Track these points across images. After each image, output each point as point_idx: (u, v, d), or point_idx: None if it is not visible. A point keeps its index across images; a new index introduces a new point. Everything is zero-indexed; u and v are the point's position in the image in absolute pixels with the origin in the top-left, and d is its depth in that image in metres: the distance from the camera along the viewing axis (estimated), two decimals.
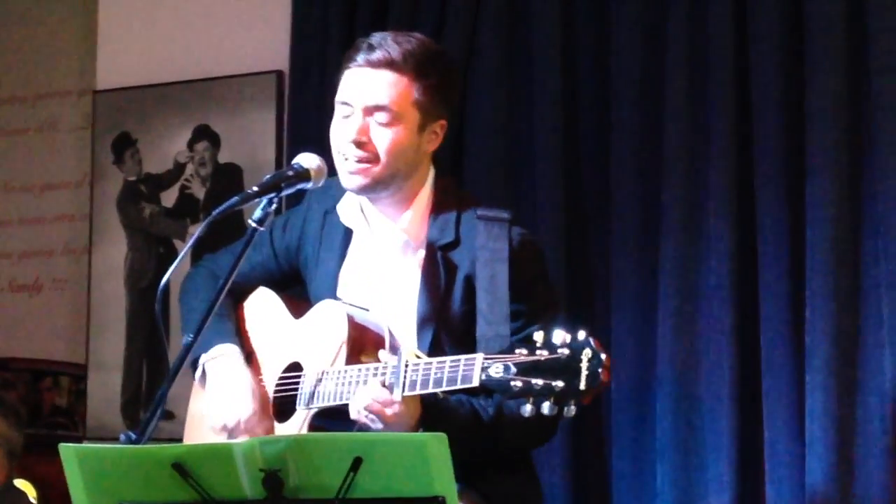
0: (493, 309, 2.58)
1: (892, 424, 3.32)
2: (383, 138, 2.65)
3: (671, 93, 3.63)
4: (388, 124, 2.64)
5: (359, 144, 2.65)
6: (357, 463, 2.15)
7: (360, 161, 2.66)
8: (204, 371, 2.79)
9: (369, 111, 2.65)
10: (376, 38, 2.68)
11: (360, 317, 2.65)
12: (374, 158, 2.65)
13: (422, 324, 2.66)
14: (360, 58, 2.67)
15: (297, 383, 2.68)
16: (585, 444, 3.71)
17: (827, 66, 3.42)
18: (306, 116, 4.18)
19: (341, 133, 2.68)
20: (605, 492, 3.69)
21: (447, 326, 2.64)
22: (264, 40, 4.45)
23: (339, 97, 2.70)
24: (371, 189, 2.69)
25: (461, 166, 3.92)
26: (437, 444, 2.14)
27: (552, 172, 3.77)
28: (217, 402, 2.73)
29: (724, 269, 3.50)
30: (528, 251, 2.70)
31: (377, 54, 2.65)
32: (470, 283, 2.65)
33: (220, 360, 2.77)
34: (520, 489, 2.73)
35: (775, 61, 3.51)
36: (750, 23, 3.55)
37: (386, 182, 2.68)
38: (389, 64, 2.64)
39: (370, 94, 2.65)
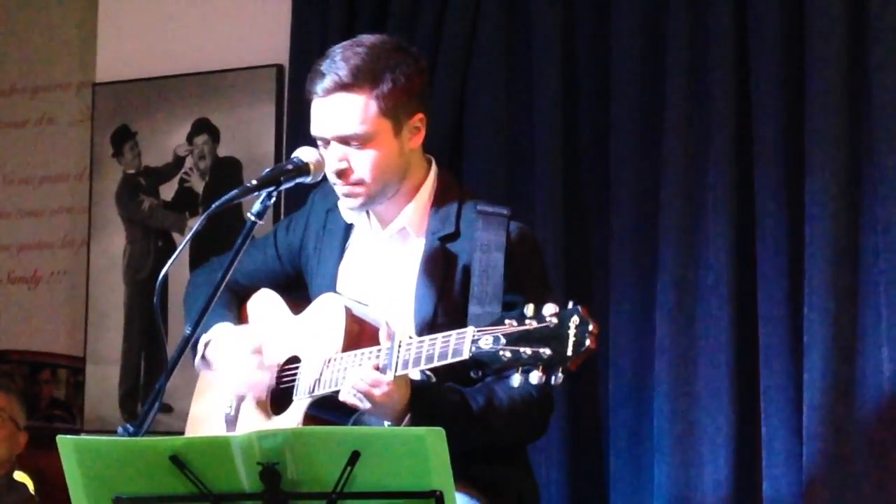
0: (485, 290, 2.59)
1: (890, 422, 3.32)
2: (363, 161, 2.66)
3: (671, 90, 3.62)
4: (361, 146, 2.65)
5: (340, 174, 2.67)
6: (355, 457, 2.16)
7: (349, 186, 2.68)
8: (204, 355, 2.81)
9: (340, 140, 2.66)
10: (325, 63, 2.67)
11: (359, 310, 2.66)
12: (360, 182, 2.67)
13: (420, 313, 2.67)
14: (315, 89, 2.67)
15: (295, 375, 2.69)
16: (583, 441, 3.71)
17: (827, 62, 3.42)
18: (306, 111, 4.14)
19: (326, 163, 2.69)
20: (602, 488, 3.69)
21: (445, 316, 2.65)
22: (264, 34, 4.45)
23: (311, 130, 2.71)
24: (370, 205, 2.73)
25: (460, 163, 3.92)
26: (434, 438, 2.15)
27: (551, 169, 3.77)
28: (226, 370, 2.76)
29: (723, 266, 3.50)
30: (527, 244, 2.71)
31: (327, 82, 2.64)
32: (468, 273, 2.65)
33: (217, 338, 2.79)
34: (516, 484, 2.74)
35: (775, 59, 3.50)
36: (750, 20, 3.55)
37: (382, 194, 2.71)
38: (341, 87, 2.63)
39: (334, 126, 2.66)
